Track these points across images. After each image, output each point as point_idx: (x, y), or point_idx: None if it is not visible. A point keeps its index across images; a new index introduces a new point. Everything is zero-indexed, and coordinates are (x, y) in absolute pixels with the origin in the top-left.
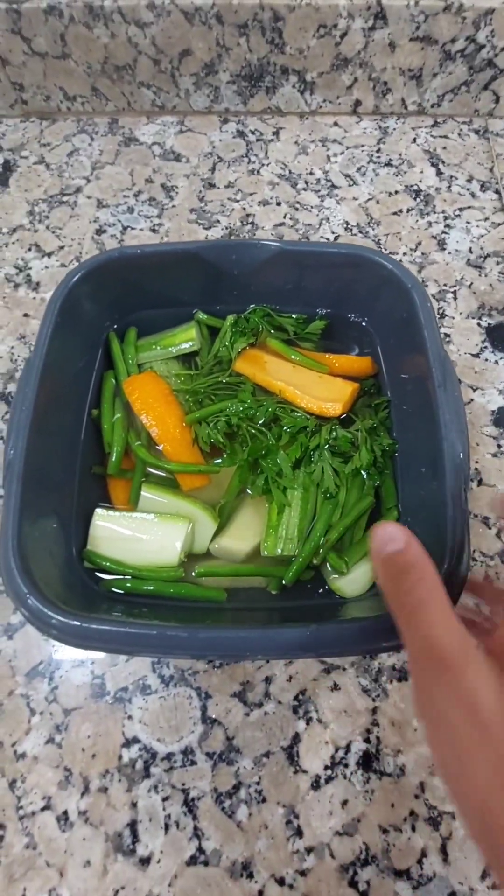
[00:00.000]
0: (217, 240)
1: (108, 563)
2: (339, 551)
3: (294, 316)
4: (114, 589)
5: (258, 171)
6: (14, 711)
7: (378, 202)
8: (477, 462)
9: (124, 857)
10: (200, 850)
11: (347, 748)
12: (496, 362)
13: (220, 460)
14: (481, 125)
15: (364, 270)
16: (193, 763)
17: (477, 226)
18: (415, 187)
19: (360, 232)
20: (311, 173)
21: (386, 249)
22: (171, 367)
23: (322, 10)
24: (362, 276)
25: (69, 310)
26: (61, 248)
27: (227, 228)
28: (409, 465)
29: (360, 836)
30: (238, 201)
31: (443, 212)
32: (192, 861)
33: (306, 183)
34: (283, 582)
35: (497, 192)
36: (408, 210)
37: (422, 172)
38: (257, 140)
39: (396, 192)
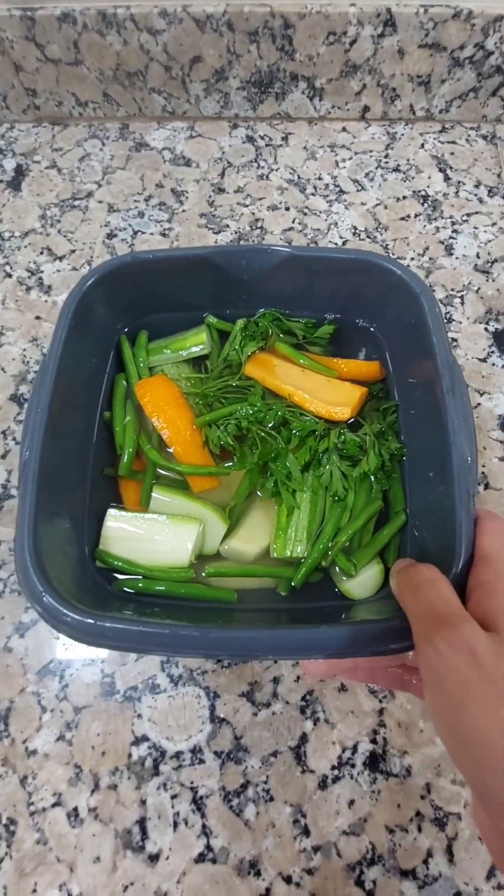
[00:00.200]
0: (228, 245)
1: (119, 563)
2: (348, 554)
3: (303, 320)
4: (126, 589)
5: (267, 177)
6: (25, 709)
7: (386, 207)
8: (484, 466)
9: (133, 853)
10: (208, 847)
11: (354, 749)
12: (503, 367)
13: (230, 463)
14: (489, 131)
15: (373, 276)
16: (202, 762)
17: (485, 231)
18: (423, 192)
19: (368, 237)
20: (319, 178)
21: (394, 254)
22: (182, 370)
23: (332, 17)
24: (371, 281)
25: (83, 313)
26: (73, 251)
27: (236, 233)
28: (417, 469)
29: (366, 836)
30: (247, 206)
31: (450, 217)
32: (201, 858)
33: (315, 188)
34: (293, 583)
35: None
36: (415, 215)
37: (430, 178)
38: (266, 145)
39: (404, 197)
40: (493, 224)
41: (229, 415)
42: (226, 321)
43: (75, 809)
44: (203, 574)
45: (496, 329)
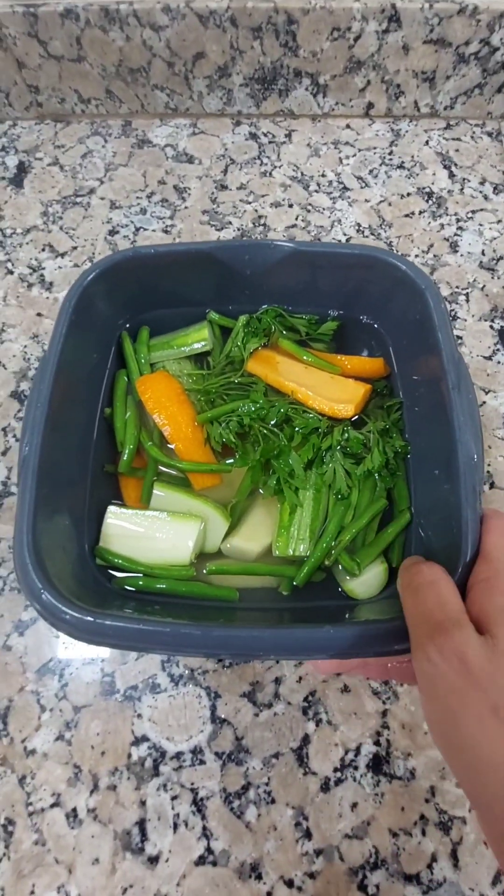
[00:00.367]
0: (230, 240)
1: (119, 561)
2: (352, 552)
3: (306, 317)
4: (126, 587)
5: (270, 174)
6: (24, 708)
7: (390, 204)
8: (489, 465)
9: (133, 855)
10: (209, 850)
11: (357, 750)
12: None
13: (231, 460)
14: (495, 128)
15: (377, 271)
16: (202, 762)
17: (490, 228)
18: (427, 189)
19: (372, 234)
20: (323, 175)
21: (398, 251)
22: (184, 366)
23: (336, 13)
24: (375, 277)
25: (83, 309)
26: (74, 248)
27: (238, 230)
28: (421, 467)
29: (369, 840)
30: (250, 203)
31: (455, 214)
32: (201, 861)
33: (318, 185)
34: (295, 582)
35: None
36: (420, 212)
37: (434, 175)
38: (269, 142)
39: (409, 194)
40: (499, 221)
41: (231, 412)
42: (228, 317)
43: (74, 810)
44: (204, 572)
45: (502, 326)
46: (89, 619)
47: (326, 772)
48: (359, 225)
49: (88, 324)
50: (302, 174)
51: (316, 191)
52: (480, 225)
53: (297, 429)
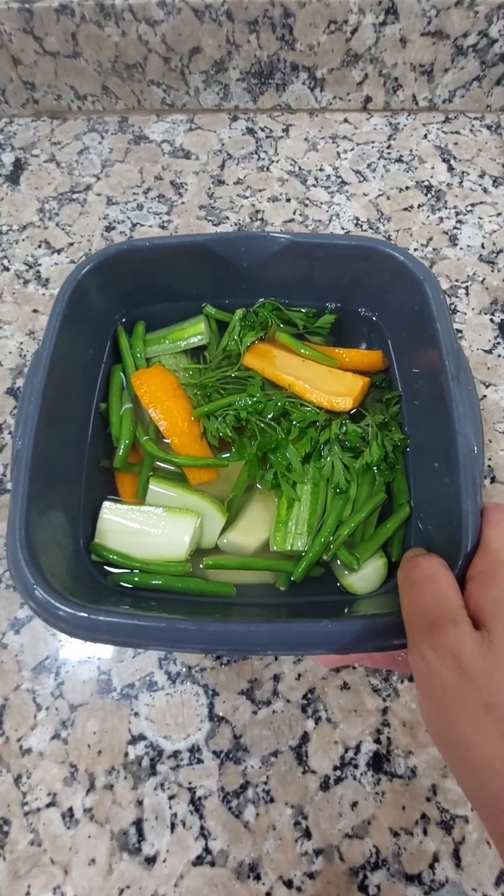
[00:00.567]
0: (226, 232)
1: (115, 557)
2: (351, 547)
3: (303, 310)
4: (122, 583)
5: (268, 168)
6: (20, 706)
7: (389, 198)
8: (490, 459)
9: (130, 855)
10: (207, 850)
11: (357, 749)
12: None
13: (228, 454)
14: (494, 120)
15: (375, 263)
16: (200, 761)
17: (489, 221)
18: (426, 183)
19: (371, 227)
20: (321, 170)
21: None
22: (180, 361)
23: (333, 5)
24: (373, 268)
25: (78, 302)
26: (71, 244)
27: (236, 224)
28: (421, 460)
29: (370, 839)
30: (247, 198)
31: (454, 207)
32: (199, 861)
33: (316, 179)
34: (293, 578)
35: None
36: (419, 206)
37: (433, 168)
38: (267, 137)
39: (407, 187)
40: (499, 214)
41: (228, 406)
42: (225, 311)
43: (70, 810)
44: (201, 567)
45: (502, 320)
46: (83, 614)
47: (326, 770)
48: (357, 219)
49: (83, 317)
50: (299, 168)
51: (314, 185)
52: (480, 218)
53: (294, 422)
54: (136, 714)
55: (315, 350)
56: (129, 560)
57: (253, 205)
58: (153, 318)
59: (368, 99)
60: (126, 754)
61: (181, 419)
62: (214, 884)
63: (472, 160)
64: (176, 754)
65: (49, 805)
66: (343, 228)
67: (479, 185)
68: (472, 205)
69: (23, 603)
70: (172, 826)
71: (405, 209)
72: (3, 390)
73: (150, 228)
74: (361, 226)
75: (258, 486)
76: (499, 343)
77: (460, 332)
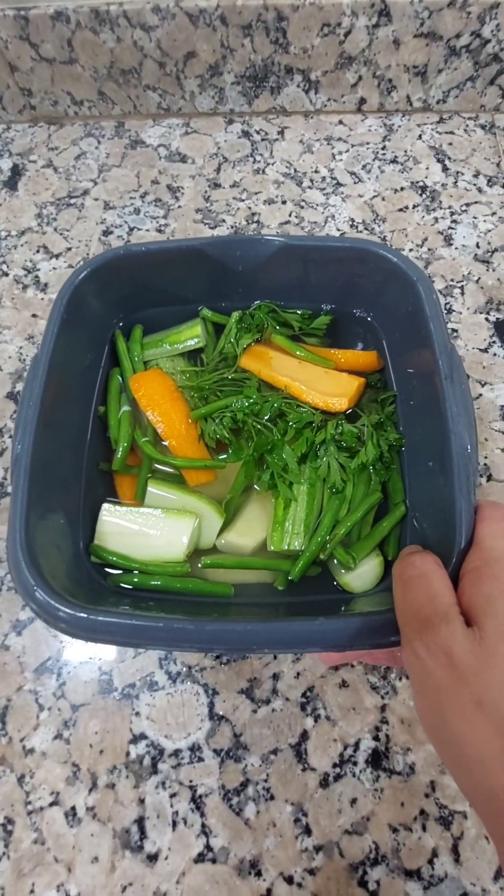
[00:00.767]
0: (221, 236)
1: (114, 559)
2: (347, 546)
3: (299, 312)
4: (121, 584)
5: (263, 171)
6: (23, 707)
7: (384, 199)
8: (486, 457)
9: (132, 853)
10: (208, 847)
11: (356, 746)
12: None
13: (225, 456)
14: (488, 120)
15: (369, 264)
16: (201, 760)
17: (484, 221)
18: (420, 183)
19: (366, 229)
20: (316, 171)
21: (392, 246)
22: (177, 363)
23: (326, 8)
24: (367, 270)
25: (75, 307)
26: (69, 249)
27: (232, 227)
28: (416, 460)
29: (369, 835)
30: (243, 201)
31: (449, 207)
32: (200, 858)
33: (311, 181)
34: (290, 577)
35: None
36: (414, 206)
37: (427, 169)
38: (262, 140)
39: (402, 188)
40: (493, 213)
41: (225, 407)
42: (221, 314)
43: (73, 809)
44: (199, 566)
45: (497, 319)
46: (83, 615)
47: (325, 767)
48: (352, 220)
49: (81, 322)
50: (295, 171)
51: (309, 187)
52: (475, 218)
53: (290, 423)
54: (137, 714)
55: (310, 351)
56: (129, 561)
57: (249, 207)
58: (150, 321)
59: (363, 100)
60: (127, 753)
61: (179, 421)
62: (216, 881)
63: (467, 160)
64: (177, 753)
65: (52, 804)
66: (339, 230)
67: (474, 184)
68: (467, 204)
69: (24, 605)
70: (174, 824)
71: (400, 210)
72: (3, 394)
73: (148, 232)
74: (357, 227)
75: (255, 486)
76: (494, 342)
77: (456, 331)
